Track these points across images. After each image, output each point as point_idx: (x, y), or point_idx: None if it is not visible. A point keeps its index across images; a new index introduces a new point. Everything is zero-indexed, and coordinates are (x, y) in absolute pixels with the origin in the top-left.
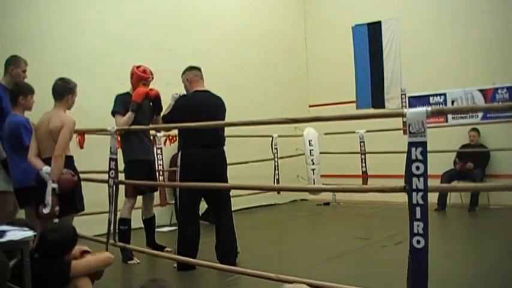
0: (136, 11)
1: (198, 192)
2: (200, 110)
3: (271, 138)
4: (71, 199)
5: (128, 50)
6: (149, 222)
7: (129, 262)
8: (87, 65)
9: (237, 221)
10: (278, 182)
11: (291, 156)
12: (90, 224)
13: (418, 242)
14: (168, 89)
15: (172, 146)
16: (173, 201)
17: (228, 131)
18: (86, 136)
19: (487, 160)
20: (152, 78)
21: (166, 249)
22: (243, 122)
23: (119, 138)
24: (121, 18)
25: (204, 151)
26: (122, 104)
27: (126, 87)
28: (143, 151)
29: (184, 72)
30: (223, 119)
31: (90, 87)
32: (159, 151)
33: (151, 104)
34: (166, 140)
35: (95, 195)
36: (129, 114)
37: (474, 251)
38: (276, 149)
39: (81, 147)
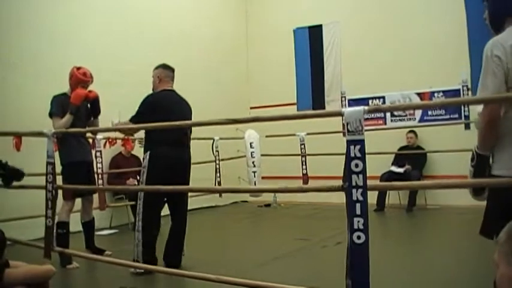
0: (74, 9)
1: (164, 193)
2: (169, 108)
3: (212, 140)
4: None
5: (65, 49)
6: (88, 225)
7: (67, 267)
8: (22, 64)
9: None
10: (220, 184)
11: (232, 158)
12: (23, 228)
13: (359, 237)
14: (108, 89)
15: (112, 148)
16: (112, 204)
17: None
18: (23, 138)
19: (424, 162)
20: (92, 81)
21: (106, 252)
22: (183, 123)
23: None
24: (57, 16)
25: (173, 150)
26: (59, 105)
27: (63, 87)
28: (81, 152)
29: (157, 68)
30: (191, 119)
31: (26, 88)
32: (98, 153)
33: (89, 105)
34: (106, 142)
35: (30, 198)
36: (68, 117)
37: (412, 249)
38: (218, 151)
39: (18, 149)
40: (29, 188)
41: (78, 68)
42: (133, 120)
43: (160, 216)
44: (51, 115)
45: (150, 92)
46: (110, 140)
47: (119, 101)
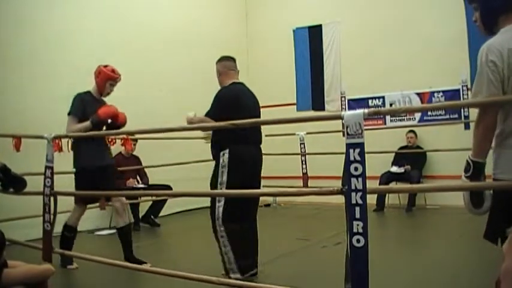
0: (74, 10)
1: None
2: (245, 103)
3: None
4: None
5: (65, 51)
6: (119, 232)
7: (68, 267)
8: (21, 64)
9: (176, 223)
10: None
11: None
12: (23, 228)
13: (358, 241)
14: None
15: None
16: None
17: (168, 133)
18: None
19: (424, 161)
20: (120, 79)
21: (146, 265)
22: (183, 127)
23: (60, 143)
24: (59, 15)
25: (252, 148)
26: (79, 104)
27: (63, 87)
28: (97, 156)
29: (219, 61)
30: (260, 115)
31: (26, 88)
32: None
33: (109, 122)
34: None
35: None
36: (87, 124)
37: (412, 249)
38: None
39: (18, 150)
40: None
41: (105, 66)
42: (212, 117)
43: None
44: (69, 113)
45: (150, 93)
46: (110, 140)
47: (118, 102)
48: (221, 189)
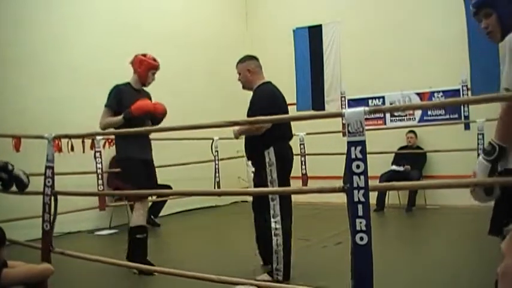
0: (74, 9)
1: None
2: (281, 100)
3: (211, 140)
4: None
5: (65, 50)
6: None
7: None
8: (21, 64)
9: (178, 223)
10: (219, 185)
11: (231, 158)
12: (23, 228)
13: (362, 238)
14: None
15: (112, 149)
16: (112, 204)
17: (168, 133)
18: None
19: (424, 162)
20: (159, 67)
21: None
22: (183, 126)
23: (60, 144)
24: (58, 16)
25: (288, 144)
26: (115, 97)
27: (63, 88)
28: (143, 150)
29: (243, 61)
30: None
31: (26, 88)
32: (98, 154)
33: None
34: (105, 142)
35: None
36: (119, 119)
37: (412, 249)
38: (217, 151)
39: (17, 150)
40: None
41: (144, 55)
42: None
43: None
44: (105, 105)
45: (153, 91)
46: (110, 141)
47: None
48: (273, 187)
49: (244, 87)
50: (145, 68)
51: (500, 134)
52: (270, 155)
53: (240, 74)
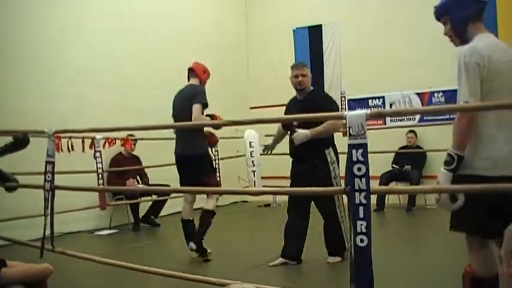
0: (76, 10)
1: None
2: None
3: None
4: None
5: (66, 50)
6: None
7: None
8: (22, 64)
9: (176, 223)
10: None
11: (231, 157)
12: (23, 228)
13: (362, 240)
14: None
15: (112, 148)
16: (112, 204)
17: (169, 132)
18: None
19: (424, 161)
20: None
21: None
22: (185, 125)
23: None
24: (59, 16)
25: None
26: (205, 97)
27: (63, 88)
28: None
29: (304, 67)
30: None
31: (27, 88)
32: (98, 154)
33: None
34: (105, 142)
35: (30, 198)
36: (204, 116)
37: (412, 249)
38: (217, 150)
39: None
40: (28, 187)
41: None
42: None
43: None
44: (202, 104)
45: (152, 92)
46: (110, 140)
47: (120, 102)
48: (336, 183)
49: (302, 90)
50: (207, 76)
51: (456, 144)
52: (330, 155)
53: (306, 76)
